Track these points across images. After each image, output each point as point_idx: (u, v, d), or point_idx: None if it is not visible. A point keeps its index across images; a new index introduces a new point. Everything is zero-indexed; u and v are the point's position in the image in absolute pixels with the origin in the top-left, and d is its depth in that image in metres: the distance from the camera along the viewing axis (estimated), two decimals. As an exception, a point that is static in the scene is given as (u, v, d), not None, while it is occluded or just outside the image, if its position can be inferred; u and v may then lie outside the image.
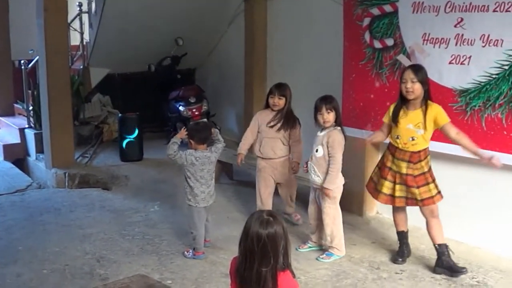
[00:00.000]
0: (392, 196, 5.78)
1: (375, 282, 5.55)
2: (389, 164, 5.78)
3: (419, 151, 5.60)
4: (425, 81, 5.57)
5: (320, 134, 6.03)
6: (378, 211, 7.28)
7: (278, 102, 6.64)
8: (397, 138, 5.68)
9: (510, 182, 6.01)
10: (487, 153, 5.56)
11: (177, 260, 5.99)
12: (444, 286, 5.48)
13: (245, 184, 8.54)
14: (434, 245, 5.76)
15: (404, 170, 5.66)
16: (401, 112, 5.66)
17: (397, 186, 5.73)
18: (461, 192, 6.28)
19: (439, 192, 5.70)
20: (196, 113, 9.93)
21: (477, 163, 5.95)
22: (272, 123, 6.71)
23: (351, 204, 7.20)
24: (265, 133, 6.77)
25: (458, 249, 6.11)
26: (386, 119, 5.90)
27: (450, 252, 5.71)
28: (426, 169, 5.64)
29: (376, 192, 5.96)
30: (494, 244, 6.17)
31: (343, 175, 6.08)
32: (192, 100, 9.99)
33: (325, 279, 5.59)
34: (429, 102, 5.57)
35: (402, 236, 6.05)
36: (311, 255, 6.12)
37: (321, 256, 6.08)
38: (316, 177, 6.04)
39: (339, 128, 6.02)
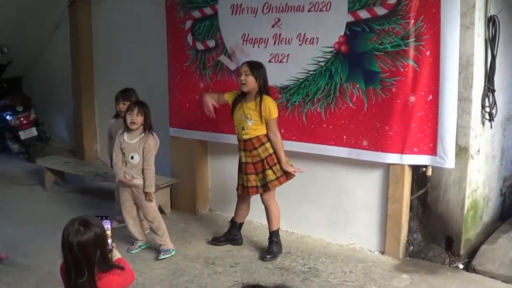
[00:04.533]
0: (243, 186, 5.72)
1: (211, 276, 5.36)
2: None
3: (251, 139, 5.53)
4: (260, 76, 5.50)
5: (133, 141, 5.64)
6: (211, 208, 7.11)
7: (124, 108, 5.92)
8: (236, 128, 5.65)
9: (331, 172, 6.06)
10: (286, 166, 5.55)
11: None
12: (277, 274, 5.39)
13: (78, 191, 8.00)
14: (269, 231, 5.78)
15: (243, 159, 5.62)
16: (239, 104, 5.59)
17: (244, 177, 5.67)
18: (289, 184, 6.28)
19: (277, 178, 5.59)
20: (25, 122, 9.36)
21: (303, 156, 5.97)
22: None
23: (184, 203, 7.01)
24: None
25: (289, 239, 6.11)
26: (228, 96, 5.75)
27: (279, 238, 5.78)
28: (263, 156, 5.54)
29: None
30: (322, 232, 6.18)
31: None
32: (20, 109, 9.39)
33: (162, 278, 5.34)
34: (263, 96, 5.48)
35: (235, 225, 6.04)
36: (145, 256, 5.80)
37: (161, 255, 5.73)
38: (138, 181, 5.68)
39: (152, 133, 5.71)
